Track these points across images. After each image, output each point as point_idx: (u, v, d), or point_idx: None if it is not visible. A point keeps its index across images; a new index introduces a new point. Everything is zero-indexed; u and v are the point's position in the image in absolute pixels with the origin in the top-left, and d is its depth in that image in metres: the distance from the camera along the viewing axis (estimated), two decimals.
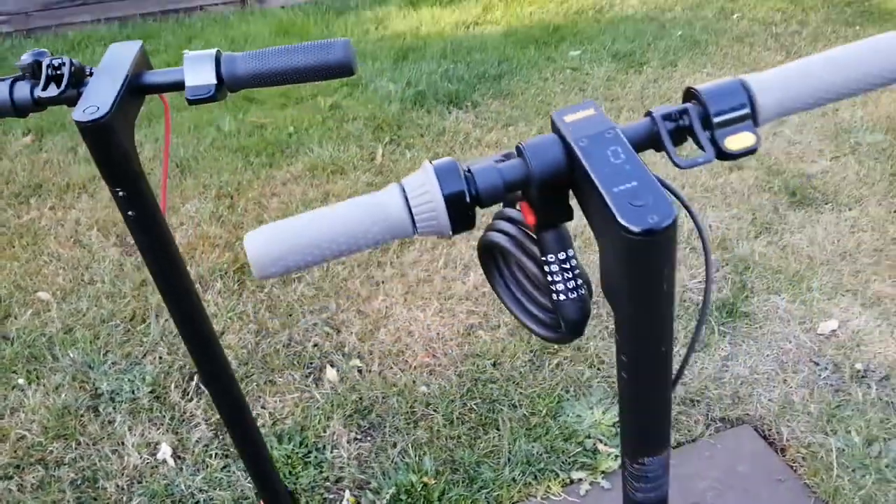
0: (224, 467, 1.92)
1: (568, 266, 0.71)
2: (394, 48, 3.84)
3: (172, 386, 2.12)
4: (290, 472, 1.91)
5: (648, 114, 0.71)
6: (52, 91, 0.88)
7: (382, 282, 2.50)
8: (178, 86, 0.90)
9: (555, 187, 0.67)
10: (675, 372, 0.73)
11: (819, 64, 0.70)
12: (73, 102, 0.88)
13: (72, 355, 2.21)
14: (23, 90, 0.89)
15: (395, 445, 1.99)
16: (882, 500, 1.84)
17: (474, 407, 2.10)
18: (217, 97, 0.89)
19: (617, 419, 2.09)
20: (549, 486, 1.91)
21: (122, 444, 1.97)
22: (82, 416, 2.03)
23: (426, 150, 3.16)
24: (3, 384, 2.12)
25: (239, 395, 1.16)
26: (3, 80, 0.92)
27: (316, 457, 1.95)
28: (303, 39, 4.02)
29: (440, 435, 2.02)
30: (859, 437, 1.99)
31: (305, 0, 4.73)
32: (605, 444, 2.02)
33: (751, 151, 0.66)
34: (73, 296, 2.44)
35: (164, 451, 1.95)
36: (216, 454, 1.95)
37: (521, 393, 2.14)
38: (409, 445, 1.98)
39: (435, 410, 2.08)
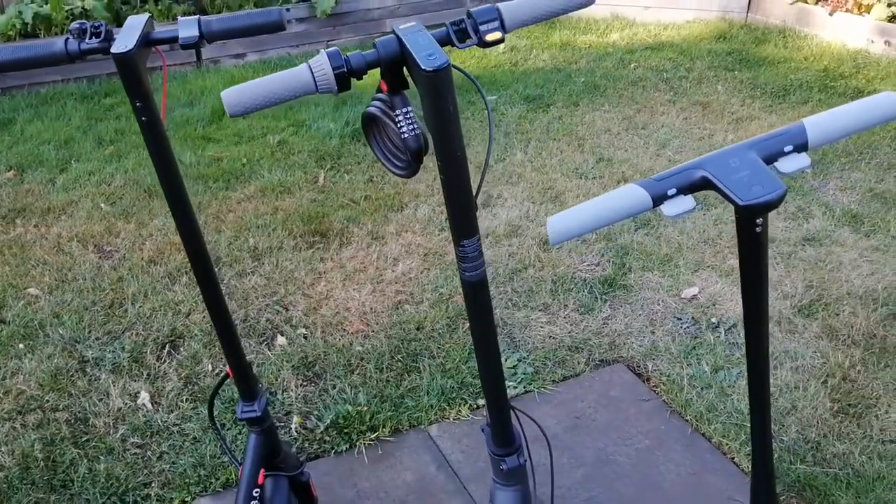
0: (193, 407, 2.35)
1: (410, 116, 1.21)
2: (334, 97, 4.40)
3: (148, 353, 2.55)
4: None
5: (444, 24, 1.23)
6: (94, 43, 1.37)
7: (324, 272, 2.98)
8: (174, 39, 1.40)
9: (394, 64, 1.17)
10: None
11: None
12: (105, 52, 1.38)
13: (61, 332, 2.62)
14: (73, 44, 1.39)
15: (334, 387, 2.43)
16: (721, 407, 2.34)
17: (400, 359, 2.56)
18: (199, 44, 1.39)
19: (516, 363, 2.57)
20: (459, 410, 2.37)
21: (108, 394, 2.38)
22: (72, 375, 2.44)
23: (362, 174, 3.68)
24: (2, 355, 2.52)
25: (214, 279, 1.61)
26: (58, 38, 1.41)
27: (269, 399, 2.39)
28: None
29: (372, 379, 2.47)
30: (708, 367, 2.50)
31: (256, 59, 5.30)
32: (507, 381, 2.49)
33: (499, 41, 1.18)
34: (58, 291, 2.86)
35: (143, 397, 2.37)
36: (186, 399, 2.37)
37: (439, 347, 2.61)
38: (347, 386, 2.43)
39: (367, 363, 2.54)
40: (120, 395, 2.37)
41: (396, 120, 1.20)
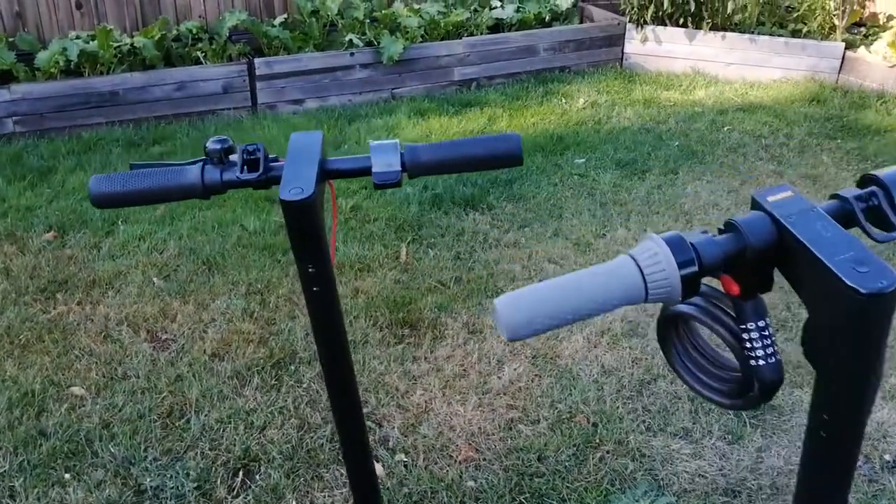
0: None
1: (767, 332, 0.77)
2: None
3: (218, 481, 2.08)
4: None
5: (835, 196, 0.80)
6: (250, 174, 0.95)
7: (419, 377, 2.51)
8: (365, 171, 0.98)
9: (764, 259, 0.74)
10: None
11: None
12: (262, 185, 0.96)
13: (112, 450, 2.16)
14: (212, 173, 0.97)
15: None
16: None
17: (523, 502, 2.09)
18: (400, 182, 0.96)
19: None
20: None
21: None
22: None
23: (447, 249, 3.23)
24: (42, 481, 2.06)
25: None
26: (192, 162, 0.99)
27: None
28: None
29: None
30: None
31: (316, 107, 4.88)
32: None
33: None
34: (107, 391, 2.40)
35: None
36: None
37: (568, 487, 2.14)
38: None
39: None
40: None
41: (746, 337, 0.76)
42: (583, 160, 4.09)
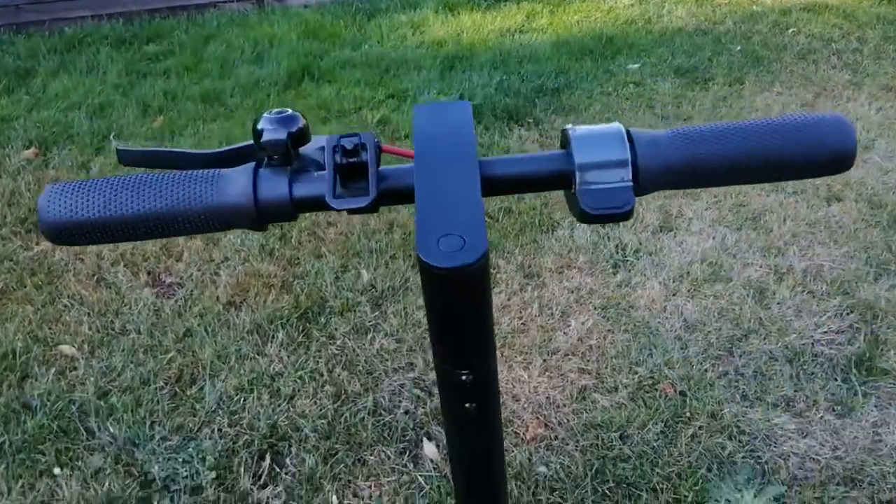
0: None
1: None
2: (438, 57, 3.47)
3: (241, 468, 1.72)
4: None
5: None
6: (354, 198, 0.53)
7: None
8: (556, 183, 0.56)
9: None
10: None
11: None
12: (373, 209, 0.54)
13: (111, 429, 1.79)
14: (274, 186, 0.55)
15: None
16: None
17: (608, 493, 1.74)
18: (631, 213, 0.55)
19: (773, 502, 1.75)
20: None
21: None
22: None
23: None
24: (27, 469, 1.70)
25: None
26: (226, 153, 0.58)
27: None
28: (334, 44, 3.63)
29: None
30: None
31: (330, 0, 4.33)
32: None
33: None
34: (103, 349, 2.02)
35: None
36: None
37: (658, 474, 1.79)
38: None
39: (562, 498, 1.72)
40: None
41: None
42: (637, 65, 3.59)
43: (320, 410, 1.87)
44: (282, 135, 0.56)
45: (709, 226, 2.60)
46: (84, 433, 1.78)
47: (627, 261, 2.42)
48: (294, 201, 0.56)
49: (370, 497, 1.69)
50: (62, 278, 2.23)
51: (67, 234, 0.55)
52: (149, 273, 2.27)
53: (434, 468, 1.76)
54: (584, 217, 0.54)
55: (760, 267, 2.43)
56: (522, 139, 3.00)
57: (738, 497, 1.76)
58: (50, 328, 2.07)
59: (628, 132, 0.56)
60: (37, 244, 2.38)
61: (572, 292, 2.29)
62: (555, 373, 2.03)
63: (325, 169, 0.56)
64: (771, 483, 1.79)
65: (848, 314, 2.28)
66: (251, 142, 0.60)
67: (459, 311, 0.48)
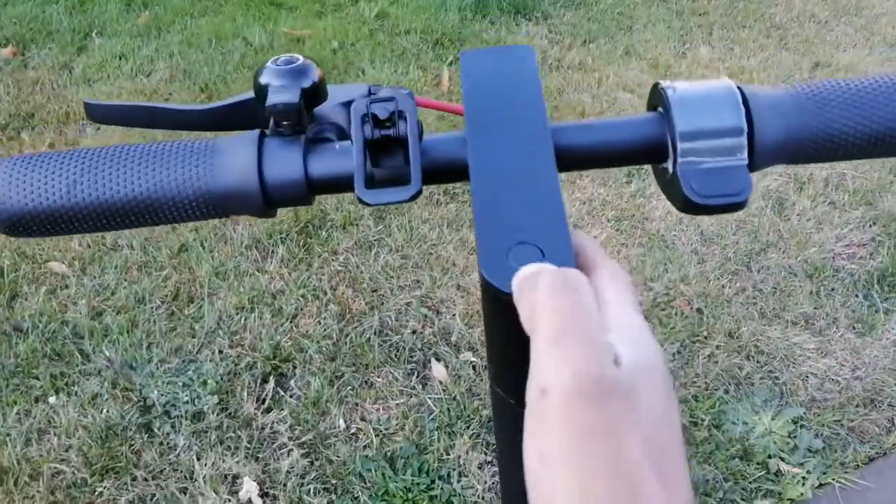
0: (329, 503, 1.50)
1: None
2: None
3: (243, 392, 1.67)
4: None
5: None
6: (393, 188, 0.43)
7: None
8: (638, 156, 0.45)
9: None
10: None
11: None
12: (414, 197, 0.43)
13: (106, 352, 1.72)
14: (287, 161, 0.45)
15: None
16: None
17: None
18: (745, 203, 0.43)
19: (793, 429, 1.71)
20: None
21: (192, 477, 1.52)
22: (133, 438, 1.57)
23: None
24: (22, 395, 1.64)
25: None
26: (224, 104, 0.47)
27: (442, 489, 1.53)
28: None
29: None
30: None
31: None
32: (788, 463, 1.64)
33: None
34: (94, 266, 1.93)
35: (248, 488, 1.51)
36: (315, 490, 1.52)
37: (682, 401, 1.74)
38: None
39: None
40: (211, 484, 1.51)
41: None
42: None
43: (324, 330, 1.80)
44: (293, 94, 0.44)
45: None
46: (79, 356, 1.71)
47: (642, 170, 2.30)
48: (311, 182, 0.45)
49: (378, 421, 1.64)
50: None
51: (25, 225, 0.44)
52: None
53: (443, 390, 1.70)
54: (689, 206, 0.43)
55: (780, 175, 2.32)
56: (531, 35, 2.83)
57: (756, 419, 1.72)
58: (38, 244, 1.97)
59: (741, 91, 0.44)
60: (18, 152, 2.25)
61: (584, 204, 2.19)
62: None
63: (346, 137, 0.45)
64: (789, 405, 1.74)
65: (870, 226, 2.19)
66: (251, 93, 0.49)
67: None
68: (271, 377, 1.70)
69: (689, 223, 2.14)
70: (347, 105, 0.48)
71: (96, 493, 1.48)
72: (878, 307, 1.96)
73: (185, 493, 1.49)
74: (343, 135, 0.47)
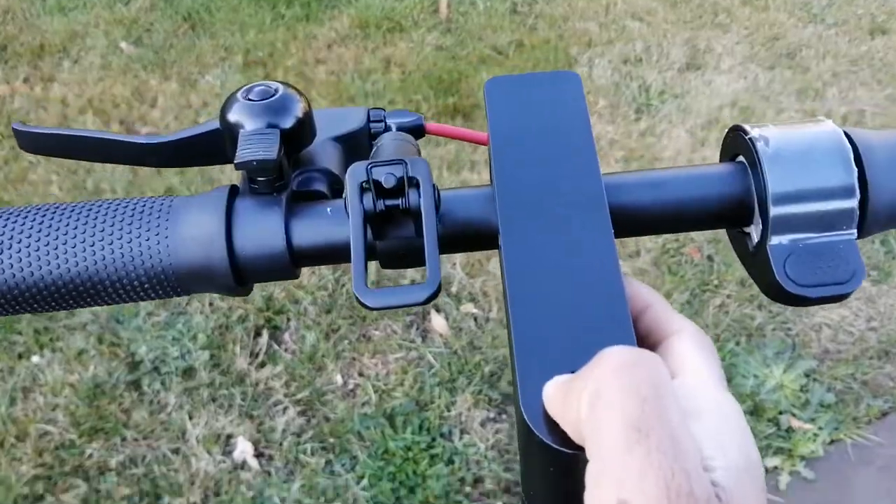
0: (326, 465, 1.45)
1: None
2: None
3: (236, 347, 1.60)
4: (413, 472, 1.44)
5: None
6: (409, 288, 0.34)
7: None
8: (739, 219, 0.35)
9: None
10: None
11: None
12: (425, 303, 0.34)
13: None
14: (268, 228, 0.37)
15: None
16: None
17: None
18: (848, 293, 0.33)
19: (805, 382, 1.66)
20: None
21: (184, 437, 1.46)
22: (121, 397, 1.51)
23: None
24: (5, 350, 1.56)
25: None
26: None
27: (444, 447, 1.49)
28: None
29: None
30: None
31: None
32: (799, 419, 1.59)
33: None
34: None
35: (243, 448, 1.46)
36: (312, 449, 1.47)
37: None
38: None
39: None
40: (204, 444, 1.45)
41: None
42: None
43: (319, 281, 1.72)
44: (270, 145, 0.34)
45: (739, 63, 2.35)
46: (63, 311, 1.63)
47: (651, 105, 2.19)
48: (295, 254, 0.35)
49: (377, 376, 1.58)
50: None
51: None
52: (121, 122, 2.03)
53: (444, 343, 1.64)
54: (781, 295, 0.34)
55: (796, 112, 2.21)
56: None
57: (767, 372, 1.67)
58: (16, 189, 1.87)
59: (849, 138, 0.35)
60: None
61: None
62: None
63: (341, 185, 0.36)
64: (801, 357, 1.68)
65: None
66: (217, 122, 0.39)
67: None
68: (264, 331, 1.64)
69: (699, 164, 2.04)
70: (342, 141, 0.39)
71: (85, 454, 1.42)
72: (894, 254, 1.89)
73: (177, 454, 1.44)
74: (337, 182, 0.38)
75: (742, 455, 0.27)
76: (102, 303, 0.36)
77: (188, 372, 1.55)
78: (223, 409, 1.51)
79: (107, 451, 1.43)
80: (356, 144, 0.41)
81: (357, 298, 0.32)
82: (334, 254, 0.36)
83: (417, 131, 0.43)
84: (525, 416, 0.27)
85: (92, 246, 0.34)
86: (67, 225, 0.35)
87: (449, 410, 1.53)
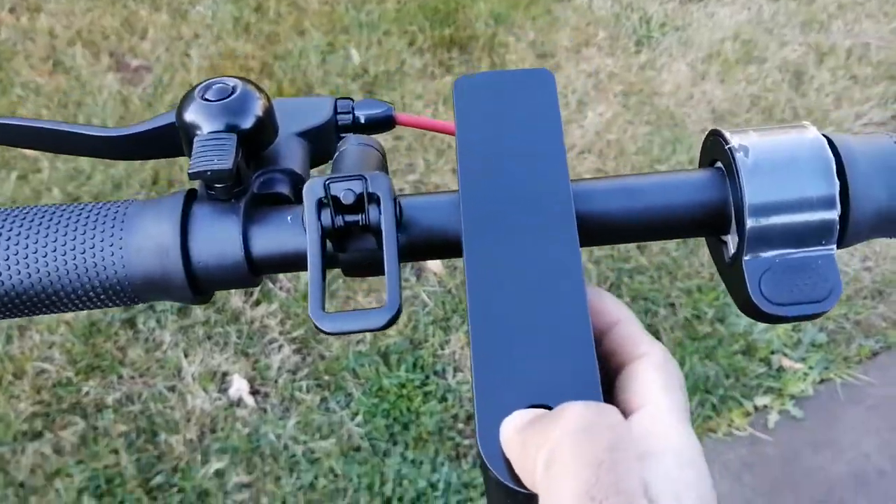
0: (321, 402, 1.47)
1: None
2: None
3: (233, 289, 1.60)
4: (407, 409, 1.47)
5: None
6: (367, 312, 0.34)
7: None
8: (716, 227, 0.34)
9: None
10: None
11: None
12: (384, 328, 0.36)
13: None
14: (225, 236, 0.36)
15: None
16: None
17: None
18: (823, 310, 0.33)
19: (798, 325, 1.67)
20: (731, 420, 1.52)
21: (179, 375, 1.48)
22: (117, 335, 1.52)
23: None
24: None
25: None
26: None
27: (437, 384, 1.51)
28: None
29: None
30: None
31: None
32: (790, 359, 1.61)
33: None
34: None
35: (239, 385, 1.48)
36: (307, 386, 1.49)
37: (678, 287, 1.69)
38: None
39: None
40: (200, 381, 1.47)
41: None
42: None
43: None
44: (226, 153, 0.33)
45: None
46: None
47: (652, 37, 2.15)
48: (254, 262, 0.34)
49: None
50: (12, 62, 1.95)
51: None
52: (111, 55, 1.99)
53: (438, 282, 1.64)
54: (756, 312, 0.33)
55: (799, 45, 2.16)
56: None
57: None
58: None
59: (830, 142, 0.33)
60: None
61: (591, 76, 2.05)
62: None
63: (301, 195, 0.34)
64: None
65: (892, 103, 2.06)
66: (174, 116, 0.37)
67: None
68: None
69: (699, 99, 2.01)
70: (307, 136, 0.37)
71: (83, 392, 1.44)
72: None
73: (173, 392, 1.46)
74: (301, 182, 0.36)
75: (700, 501, 0.26)
76: (59, 311, 0.36)
77: (183, 310, 1.56)
78: (218, 347, 1.52)
79: (103, 388, 1.45)
80: (322, 138, 0.40)
81: (315, 325, 0.32)
82: (294, 263, 0.35)
83: (387, 122, 0.42)
84: (482, 454, 0.26)
85: (45, 256, 0.33)
86: (19, 234, 0.34)
87: (443, 349, 1.55)
